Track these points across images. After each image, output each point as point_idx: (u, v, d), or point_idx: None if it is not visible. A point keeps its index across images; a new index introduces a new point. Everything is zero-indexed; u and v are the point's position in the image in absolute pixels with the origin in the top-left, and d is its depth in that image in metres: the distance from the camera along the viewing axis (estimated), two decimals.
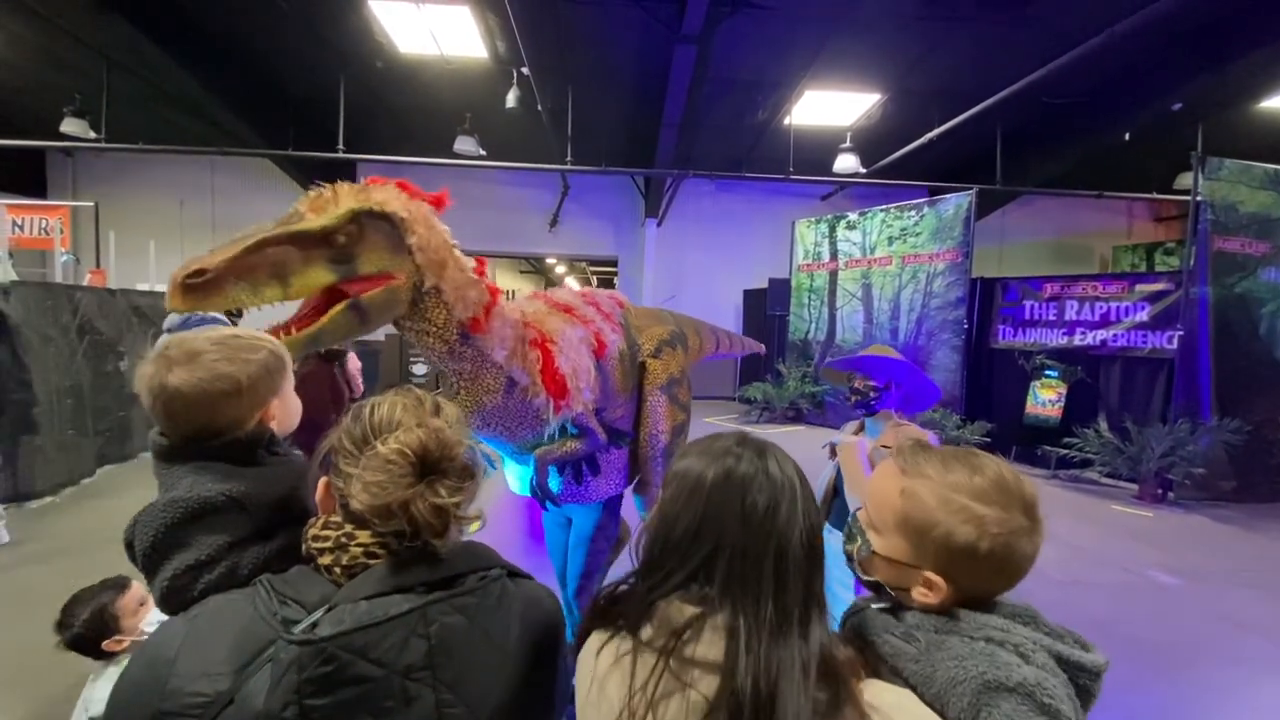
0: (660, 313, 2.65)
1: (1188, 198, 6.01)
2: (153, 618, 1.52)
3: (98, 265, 7.16)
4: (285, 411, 0.99)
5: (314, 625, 0.64)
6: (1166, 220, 12.33)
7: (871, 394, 1.99)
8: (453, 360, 1.68)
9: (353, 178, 14.21)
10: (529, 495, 2.03)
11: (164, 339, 0.93)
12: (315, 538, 0.72)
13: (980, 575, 0.72)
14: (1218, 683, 2.84)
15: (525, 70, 6.58)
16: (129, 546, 0.85)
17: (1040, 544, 0.73)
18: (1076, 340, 6.94)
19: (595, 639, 0.75)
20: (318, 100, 8.50)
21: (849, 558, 0.85)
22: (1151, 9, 4.88)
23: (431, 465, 0.71)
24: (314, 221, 1.34)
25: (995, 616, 0.72)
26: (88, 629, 1.47)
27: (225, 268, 1.23)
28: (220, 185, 11.22)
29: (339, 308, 1.39)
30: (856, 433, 2.09)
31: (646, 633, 0.71)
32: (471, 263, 1.69)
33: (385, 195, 1.47)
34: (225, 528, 0.81)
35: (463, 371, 1.72)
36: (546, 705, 0.81)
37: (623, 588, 0.79)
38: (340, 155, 8.52)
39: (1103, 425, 6.15)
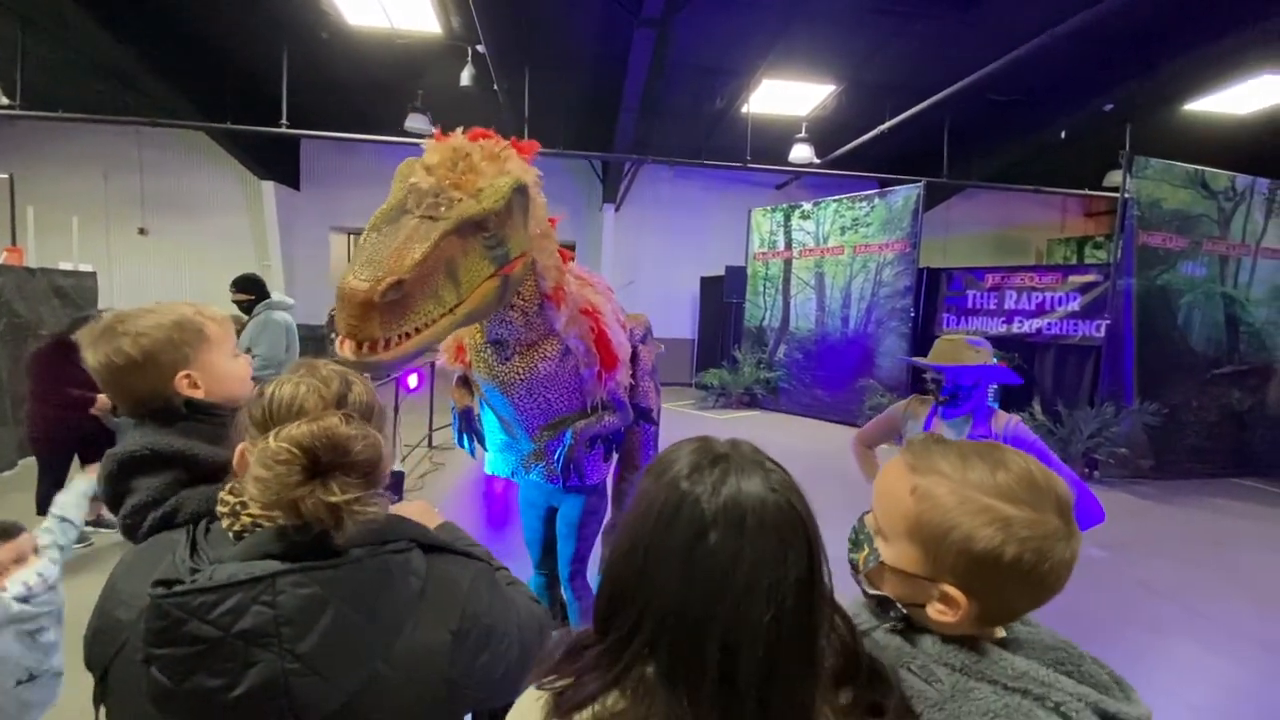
0: None
1: (1116, 194, 6.37)
2: (19, 576, 1.53)
3: (14, 242, 6.63)
4: (213, 379, 1.02)
5: (194, 581, 0.66)
6: (1096, 215, 13.03)
7: (959, 393, 2.02)
8: (526, 330, 1.58)
9: (295, 154, 13.32)
10: (502, 475, 2.02)
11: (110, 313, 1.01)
12: (222, 500, 0.75)
13: (1007, 589, 0.61)
14: (1135, 645, 3.08)
15: (481, 48, 6.41)
16: None
17: (1077, 551, 0.62)
18: (1014, 328, 7.30)
19: (532, 696, 0.60)
20: (259, 72, 8.07)
21: (853, 567, 0.72)
22: (1089, 12, 5.12)
23: (324, 465, 0.67)
24: (474, 205, 1.19)
25: (1036, 664, 0.62)
26: None
27: (419, 272, 1.05)
28: (149, 159, 10.57)
29: (492, 284, 1.27)
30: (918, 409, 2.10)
31: None
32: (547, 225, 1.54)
33: (517, 164, 1.34)
34: (159, 475, 0.88)
35: (524, 340, 1.62)
36: (481, 686, 0.77)
37: (577, 646, 0.60)
38: (284, 131, 8.12)
39: (1037, 409, 6.49)
